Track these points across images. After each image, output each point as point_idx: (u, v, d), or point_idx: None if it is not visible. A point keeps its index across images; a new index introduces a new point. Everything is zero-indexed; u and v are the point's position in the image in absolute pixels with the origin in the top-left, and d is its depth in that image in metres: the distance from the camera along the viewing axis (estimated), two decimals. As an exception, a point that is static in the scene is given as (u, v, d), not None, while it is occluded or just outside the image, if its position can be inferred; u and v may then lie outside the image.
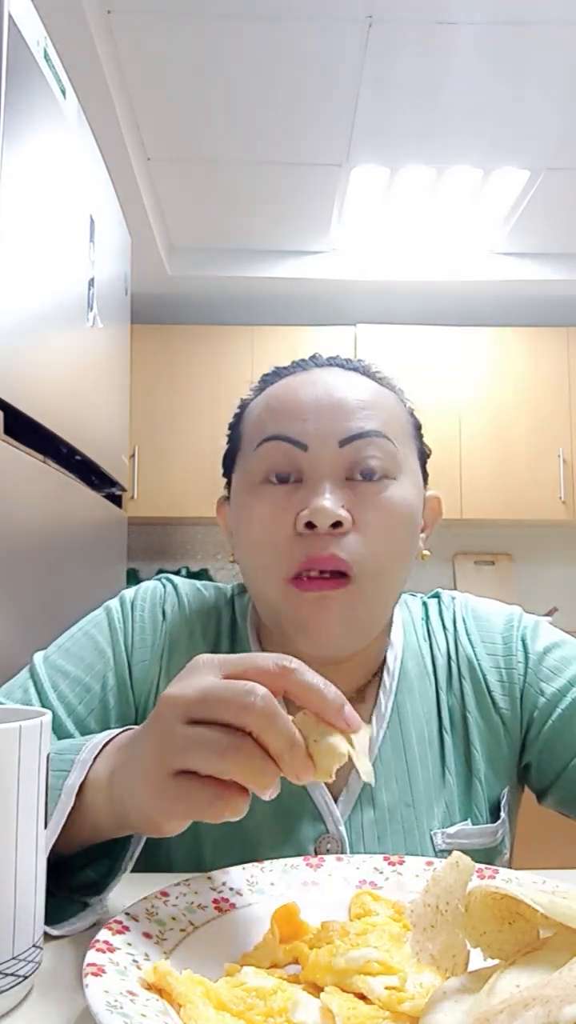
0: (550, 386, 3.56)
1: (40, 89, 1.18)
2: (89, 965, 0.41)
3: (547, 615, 3.32)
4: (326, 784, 0.72)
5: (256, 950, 0.47)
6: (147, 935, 0.46)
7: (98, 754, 0.54)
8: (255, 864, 0.58)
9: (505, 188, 2.86)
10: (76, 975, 0.45)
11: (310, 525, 0.66)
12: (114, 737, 0.56)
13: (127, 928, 0.46)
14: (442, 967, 0.41)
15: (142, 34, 2.09)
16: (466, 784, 0.74)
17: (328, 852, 0.69)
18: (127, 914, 0.48)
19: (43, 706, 0.72)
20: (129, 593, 0.81)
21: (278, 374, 0.78)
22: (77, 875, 0.55)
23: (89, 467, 1.56)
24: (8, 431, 1.08)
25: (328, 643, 0.67)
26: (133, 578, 3.68)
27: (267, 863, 0.58)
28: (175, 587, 0.83)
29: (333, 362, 0.77)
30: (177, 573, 3.62)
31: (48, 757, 0.46)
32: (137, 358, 2.84)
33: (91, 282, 1.48)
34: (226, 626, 0.80)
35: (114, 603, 0.80)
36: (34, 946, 0.44)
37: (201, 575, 3.73)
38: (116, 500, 1.81)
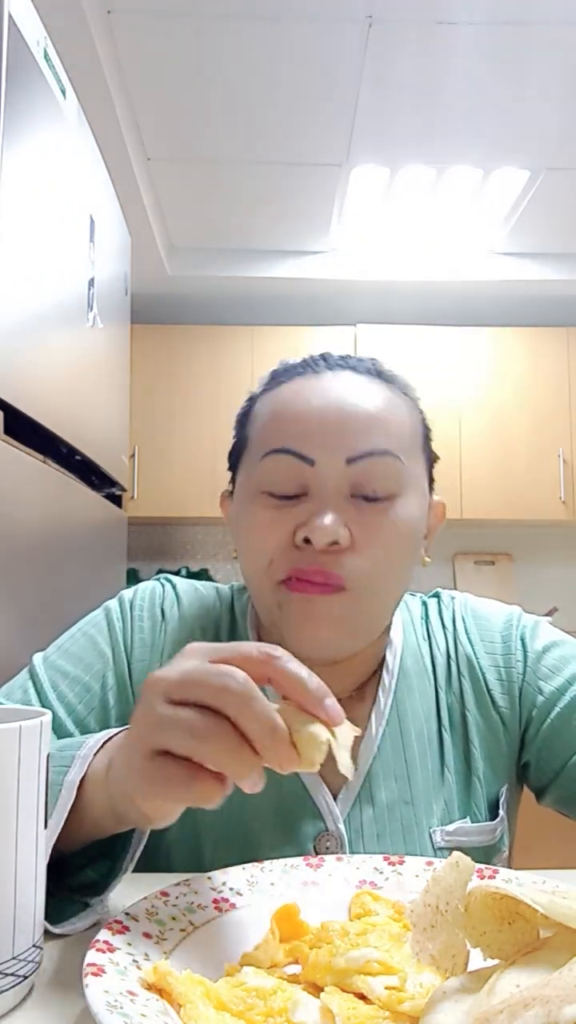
0: (550, 386, 3.56)
1: (40, 89, 1.18)
2: (89, 965, 0.41)
3: (547, 615, 3.32)
4: (325, 782, 0.72)
5: (256, 950, 0.47)
6: (147, 935, 0.46)
7: (98, 750, 0.54)
8: (255, 864, 0.58)
9: (505, 188, 2.86)
10: (76, 975, 0.45)
11: (307, 540, 0.65)
12: (115, 735, 0.56)
13: (127, 928, 0.46)
14: (442, 967, 0.41)
15: (142, 34, 2.09)
16: (465, 782, 0.74)
17: (327, 850, 0.70)
18: (127, 914, 0.48)
19: (43, 706, 0.72)
20: (128, 593, 0.81)
21: (288, 372, 0.75)
22: (77, 875, 0.55)
23: (89, 467, 1.56)
24: (8, 431, 1.08)
25: (320, 645, 0.67)
26: (133, 578, 3.68)
27: (267, 863, 0.58)
28: (174, 587, 0.83)
29: (345, 364, 0.74)
30: (177, 573, 3.62)
31: (48, 757, 0.46)
32: (137, 358, 2.84)
33: (91, 282, 1.48)
34: (226, 625, 0.80)
35: (113, 603, 0.80)
36: (34, 946, 0.44)
37: (201, 575, 3.73)
38: (116, 500, 1.81)
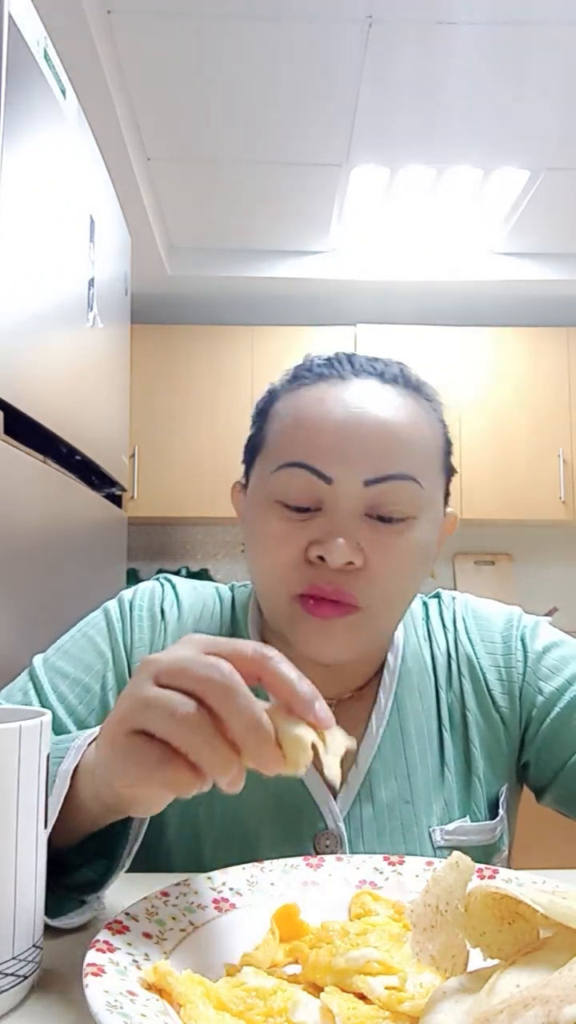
0: (550, 386, 3.56)
1: (40, 89, 1.18)
2: (89, 965, 0.41)
3: (547, 615, 3.33)
4: (325, 781, 0.72)
5: (256, 950, 0.47)
6: (147, 935, 0.46)
7: (92, 741, 0.54)
8: (255, 864, 0.58)
9: (505, 188, 2.86)
10: (76, 975, 0.45)
11: (321, 558, 0.65)
12: None
13: (127, 928, 0.46)
14: (442, 967, 0.42)
15: (142, 34, 2.09)
16: (465, 781, 0.74)
17: (327, 849, 0.70)
18: (127, 914, 0.48)
19: (44, 708, 0.72)
20: (127, 594, 0.81)
21: (313, 373, 0.72)
22: (74, 874, 0.55)
23: (89, 467, 1.56)
24: (8, 431, 1.08)
25: (328, 658, 0.68)
26: (133, 578, 3.68)
27: (267, 863, 0.58)
28: (173, 587, 0.83)
29: (372, 370, 0.71)
30: (177, 573, 3.61)
31: (48, 757, 0.46)
32: (137, 358, 2.84)
33: (91, 282, 1.48)
34: (227, 625, 0.80)
35: (112, 604, 0.80)
36: (34, 946, 0.44)
37: (201, 575, 3.73)
38: (116, 500, 1.81)
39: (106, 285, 1.62)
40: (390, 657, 0.77)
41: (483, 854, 0.73)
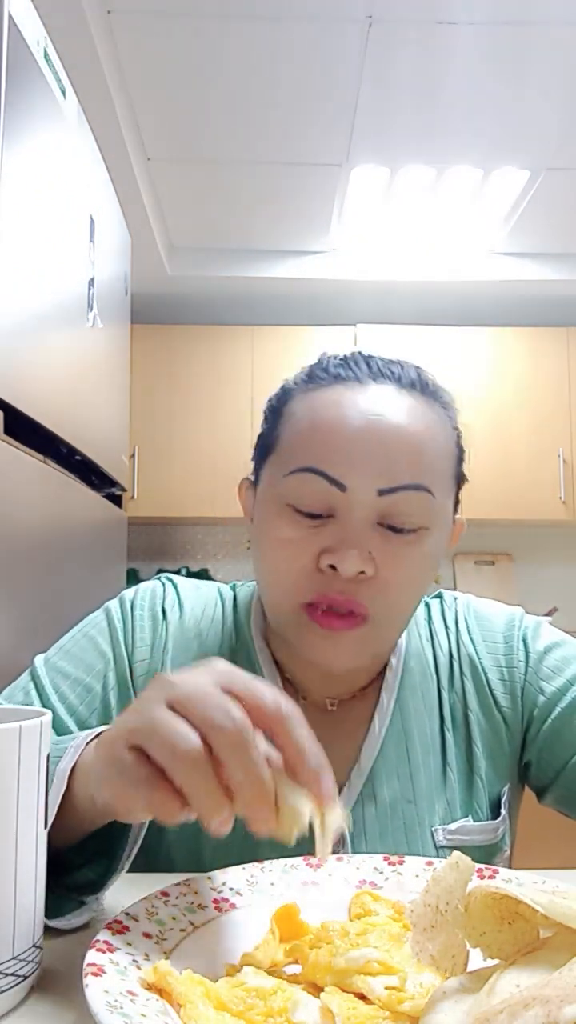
0: (550, 386, 3.56)
1: (40, 89, 1.18)
2: (89, 965, 0.41)
3: (547, 615, 3.32)
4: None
5: (256, 950, 0.47)
6: (147, 935, 0.46)
7: (90, 740, 0.54)
8: (255, 864, 0.58)
9: (505, 188, 2.86)
10: (76, 975, 0.45)
11: (332, 567, 0.65)
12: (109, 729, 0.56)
13: (127, 928, 0.46)
14: (442, 967, 0.42)
15: (142, 34, 2.09)
16: (467, 781, 0.74)
17: (330, 848, 0.70)
18: (127, 914, 0.48)
19: (45, 708, 0.72)
20: (128, 593, 0.81)
21: (329, 375, 0.70)
22: (74, 874, 0.55)
23: (89, 467, 1.56)
24: (8, 431, 1.08)
25: (336, 670, 0.68)
26: (133, 578, 3.68)
27: (267, 863, 0.58)
28: (174, 586, 0.83)
29: (389, 375, 0.70)
30: (177, 573, 3.61)
31: (48, 757, 0.46)
32: (137, 358, 2.84)
33: (91, 282, 1.48)
34: (229, 625, 0.80)
35: (113, 604, 0.80)
36: (34, 946, 0.44)
37: (201, 575, 3.73)
38: (116, 500, 1.81)
39: (106, 285, 1.62)
40: (393, 658, 0.77)
41: (485, 854, 0.73)
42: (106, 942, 0.44)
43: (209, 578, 3.70)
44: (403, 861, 0.58)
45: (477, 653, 0.79)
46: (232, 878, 0.55)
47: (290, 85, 2.29)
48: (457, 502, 0.74)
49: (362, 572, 0.64)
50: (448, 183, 2.83)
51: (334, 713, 0.76)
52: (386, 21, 2.04)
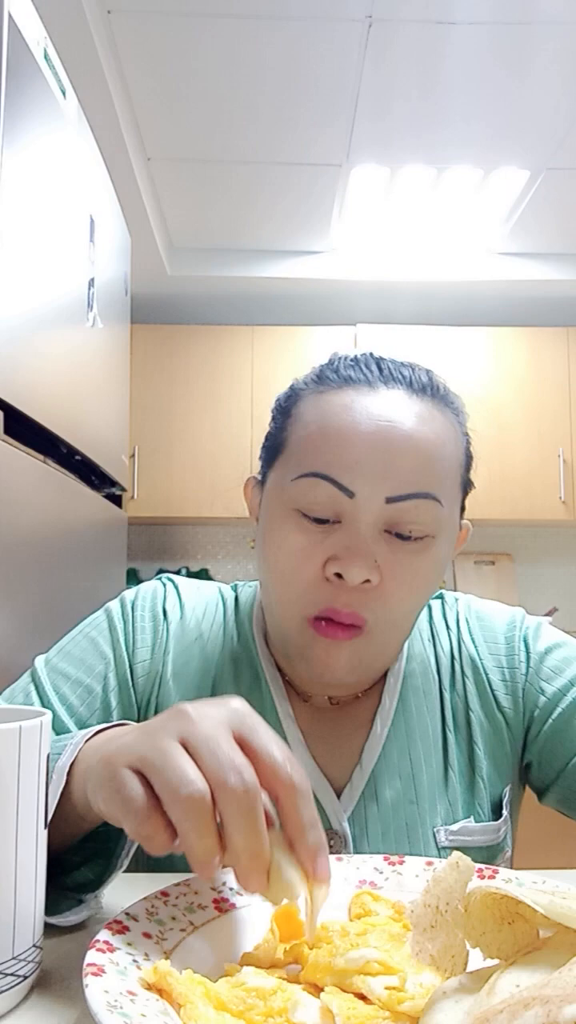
0: (550, 386, 3.56)
1: (40, 89, 1.18)
2: (89, 965, 0.41)
3: (547, 615, 3.33)
4: (329, 780, 0.72)
5: (256, 950, 0.47)
6: (147, 935, 0.46)
7: (89, 738, 0.54)
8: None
9: (505, 188, 2.86)
10: (76, 975, 0.45)
11: (339, 575, 0.65)
12: (112, 727, 0.56)
13: (127, 928, 0.46)
14: (442, 967, 0.42)
15: (142, 34, 2.09)
16: (469, 782, 0.74)
17: (331, 848, 0.70)
18: (127, 914, 0.48)
19: (45, 709, 0.72)
20: (129, 594, 0.81)
21: (339, 377, 0.70)
22: (72, 874, 0.55)
23: (89, 467, 1.56)
24: (8, 431, 1.08)
25: (334, 680, 0.68)
26: (133, 578, 3.67)
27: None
28: (175, 587, 0.83)
29: (400, 379, 0.69)
30: (177, 573, 3.61)
31: (48, 757, 0.46)
32: (137, 358, 2.84)
33: (91, 282, 1.48)
34: (230, 626, 0.80)
35: (114, 604, 0.80)
36: (34, 946, 0.44)
37: (201, 575, 3.72)
38: (116, 500, 1.81)
39: (106, 285, 1.62)
40: (393, 658, 0.78)
41: (487, 855, 0.73)
42: (106, 942, 0.44)
43: (209, 578, 3.70)
44: (403, 861, 0.58)
45: (478, 654, 0.79)
46: (232, 878, 0.55)
47: (290, 85, 2.29)
48: (463, 508, 0.74)
49: (367, 581, 0.64)
50: (448, 183, 2.83)
51: (336, 714, 0.76)
52: (386, 21, 2.04)
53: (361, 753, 0.74)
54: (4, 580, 1.06)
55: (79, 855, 0.56)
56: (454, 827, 0.72)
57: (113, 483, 1.75)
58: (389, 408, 0.66)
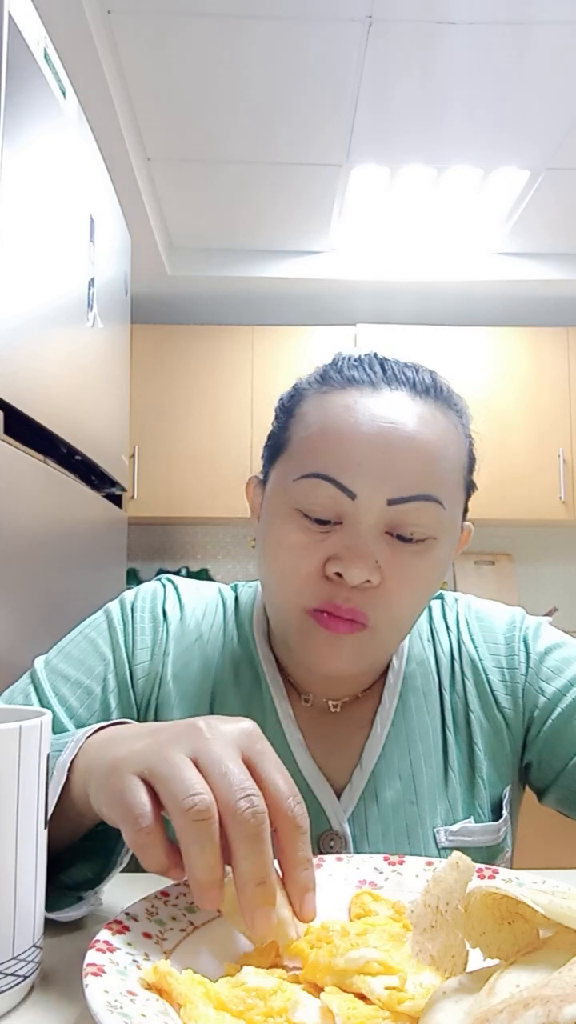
0: (550, 386, 3.56)
1: (40, 89, 1.18)
2: (89, 965, 0.41)
3: (547, 615, 3.32)
4: (329, 781, 0.72)
5: (256, 950, 0.47)
6: (147, 935, 0.46)
7: (90, 735, 0.54)
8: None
9: (505, 188, 2.86)
10: (76, 975, 0.45)
11: (339, 574, 0.65)
12: (112, 725, 0.56)
13: (127, 928, 0.46)
14: (442, 967, 0.42)
15: (142, 34, 2.09)
16: (469, 782, 0.74)
17: (332, 849, 0.70)
18: (127, 914, 0.48)
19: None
20: (129, 595, 0.81)
21: (343, 377, 0.69)
22: (70, 871, 0.55)
23: (89, 467, 1.56)
24: (8, 431, 1.08)
25: (336, 674, 0.68)
26: (133, 578, 3.67)
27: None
28: (175, 587, 0.83)
29: (404, 380, 0.69)
30: (177, 573, 3.61)
31: (48, 757, 0.46)
32: (137, 358, 2.84)
33: (91, 282, 1.48)
34: (231, 627, 0.80)
35: (114, 605, 0.80)
36: (34, 946, 0.44)
37: (201, 575, 3.72)
38: (116, 500, 1.81)
39: (106, 285, 1.62)
40: (394, 659, 0.78)
41: (487, 855, 0.73)
42: (106, 942, 0.44)
43: (209, 578, 3.70)
44: (403, 861, 0.58)
45: (478, 654, 0.79)
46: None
47: (290, 85, 2.29)
48: (465, 510, 0.74)
49: (368, 581, 0.64)
50: (448, 183, 2.83)
51: (336, 714, 0.76)
52: (386, 21, 2.04)
53: (361, 753, 0.74)
54: (4, 580, 1.06)
55: (77, 853, 0.56)
56: (454, 827, 0.72)
57: (113, 483, 1.75)
58: (392, 409, 0.66)
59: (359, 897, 0.53)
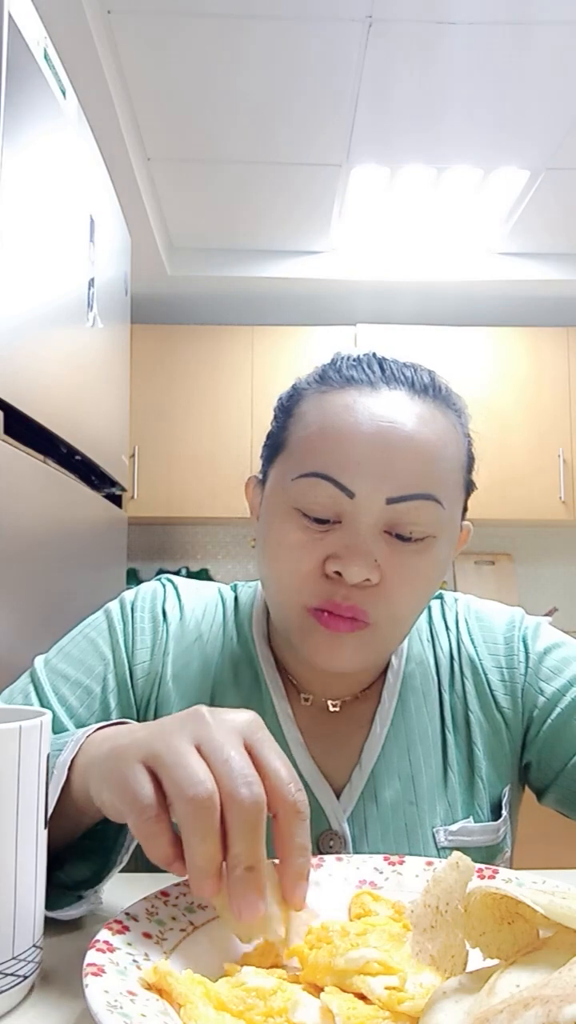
0: (550, 386, 3.56)
1: (40, 89, 1.18)
2: (89, 965, 0.41)
3: (547, 615, 3.32)
4: (328, 781, 0.72)
5: (256, 950, 0.47)
6: (147, 935, 0.46)
7: (90, 736, 0.54)
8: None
9: (505, 188, 2.86)
10: (76, 975, 0.45)
11: (338, 573, 0.65)
12: (112, 724, 0.56)
13: (127, 928, 0.46)
14: (442, 967, 0.42)
15: (142, 34, 2.09)
16: (468, 782, 0.74)
17: (331, 849, 0.70)
18: (127, 914, 0.48)
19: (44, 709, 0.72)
20: (129, 595, 0.81)
21: (342, 377, 0.69)
22: (68, 868, 0.55)
23: (89, 467, 1.56)
24: (8, 431, 1.08)
25: (335, 671, 0.68)
26: (133, 578, 3.67)
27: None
28: (175, 587, 0.83)
29: (403, 379, 0.69)
30: (177, 573, 3.61)
31: (48, 757, 0.46)
32: (137, 358, 2.84)
33: (91, 282, 1.48)
34: (230, 627, 0.80)
35: (113, 605, 0.80)
36: (34, 946, 0.44)
37: (201, 575, 3.72)
38: (116, 500, 1.81)
39: (106, 285, 1.62)
40: (394, 659, 0.78)
41: (486, 855, 0.73)
42: (106, 942, 0.44)
43: (209, 578, 3.70)
44: (403, 861, 0.58)
45: (478, 654, 0.79)
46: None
47: (290, 85, 2.29)
48: (465, 509, 0.74)
49: (367, 580, 0.64)
50: (448, 183, 2.83)
51: (336, 714, 0.76)
52: (386, 21, 2.03)
53: (360, 753, 0.74)
54: (4, 580, 1.06)
55: (75, 851, 0.56)
56: (453, 827, 0.72)
57: (113, 483, 1.75)
58: (391, 409, 0.66)
59: (359, 897, 0.53)
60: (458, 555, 0.77)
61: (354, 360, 0.71)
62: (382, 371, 0.69)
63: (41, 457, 1.23)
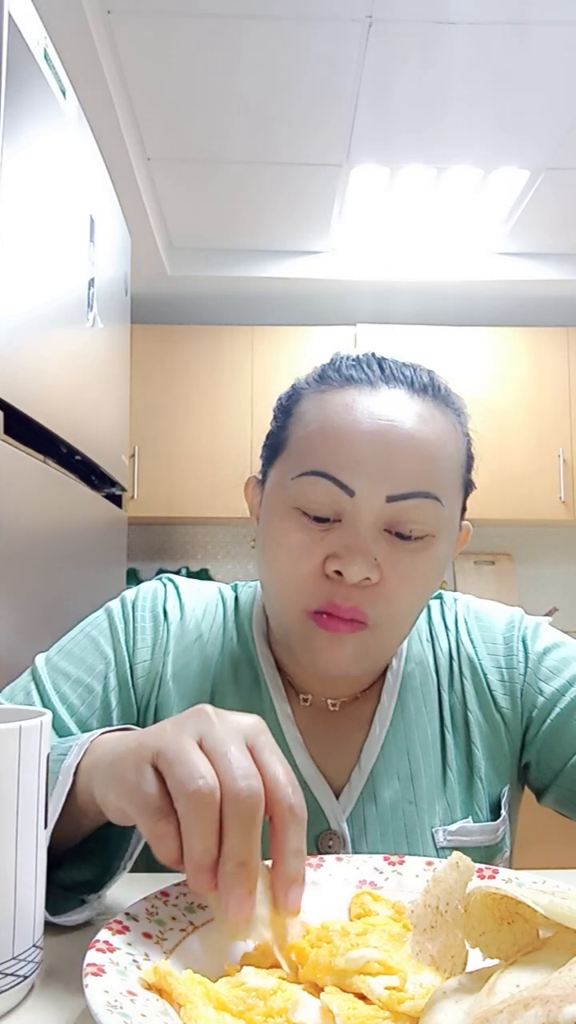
0: (550, 386, 3.56)
1: (40, 89, 1.18)
2: (89, 965, 0.41)
3: (547, 615, 3.32)
4: (328, 781, 0.72)
5: (256, 950, 0.47)
6: (147, 935, 0.46)
7: (94, 740, 0.54)
8: (255, 864, 0.58)
9: (505, 188, 2.86)
10: (76, 975, 0.45)
11: (338, 572, 0.65)
12: (116, 730, 0.56)
13: (127, 928, 0.46)
14: (442, 967, 0.42)
15: (142, 34, 2.09)
16: (467, 782, 0.74)
17: (330, 849, 0.70)
18: (127, 914, 0.48)
19: (45, 708, 0.72)
20: (130, 594, 0.81)
21: (341, 376, 0.70)
22: (68, 870, 0.55)
23: (89, 467, 1.56)
24: (8, 431, 1.08)
25: (336, 674, 0.68)
26: (133, 578, 3.67)
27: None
28: (175, 587, 0.83)
29: (402, 378, 0.69)
30: (177, 573, 3.61)
31: (48, 757, 0.46)
32: (137, 358, 2.84)
33: (91, 282, 1.48)
34: (230, 626, 0.80)
35: (114, 604, 0.80)
36: (34, 946, 0.44)
37: (201, 575, 3.72)
38: (116, 500, 1.81)
39: (106, 285, 1.62)
40: (394, 659, 0.78)
41: (486, 855, 0.73)
42: (106, 942, 0.44)
43: (209, 578, 3.70)
44: (403, 861, 0.58)
45: (477, 654, 0.79)
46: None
47: (290, 85, 2.29)
48: (464, 509, 0.74)
49: (367, 579, 0.64)
50: (448, 183, 2.83)
51: (335, 714, 0.76)
52: (386, 21, 2.03)
53: (360, 753, 0.74)
54: (4, 580, 1.06)
55: (76, 853, 0.56)
56: (452, 827, 0.72)
57: (113, 483, 1.75)
58: (390, 408, 0.67)
59: (359, 897, 0.53)
60: (458, 555, 0.77)
61: (354, 360, 0.71)
62: (381, 370, 0.69)
63: (41, 457, 1.23)
